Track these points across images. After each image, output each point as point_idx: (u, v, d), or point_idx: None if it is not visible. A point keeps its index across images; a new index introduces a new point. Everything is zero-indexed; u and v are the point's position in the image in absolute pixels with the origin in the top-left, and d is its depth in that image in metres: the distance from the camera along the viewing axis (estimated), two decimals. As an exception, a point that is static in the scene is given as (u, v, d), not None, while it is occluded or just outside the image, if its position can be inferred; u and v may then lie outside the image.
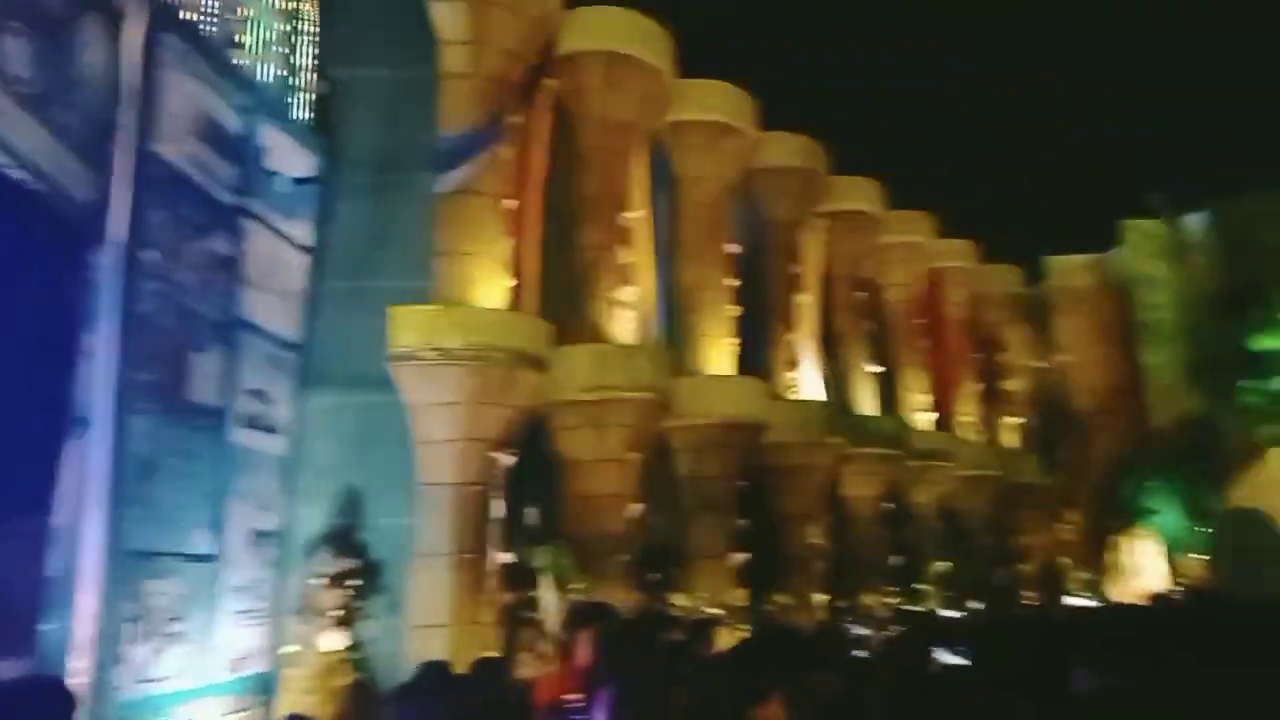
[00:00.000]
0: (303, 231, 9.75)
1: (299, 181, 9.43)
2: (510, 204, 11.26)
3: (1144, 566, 20.08)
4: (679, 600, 12.79)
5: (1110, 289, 22.54)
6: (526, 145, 11.77)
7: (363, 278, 10.54)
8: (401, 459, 9.80)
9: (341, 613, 8.85)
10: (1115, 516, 20.69)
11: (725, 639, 10.55)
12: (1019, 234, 23.94)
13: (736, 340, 16.44)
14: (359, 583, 8.98)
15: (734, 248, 17.11)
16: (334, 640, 8.88)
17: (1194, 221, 21.34)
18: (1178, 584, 17.95)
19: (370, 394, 10.09)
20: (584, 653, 4.14)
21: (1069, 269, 23.08)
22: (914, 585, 18.46)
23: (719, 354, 16.10)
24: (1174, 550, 19.87)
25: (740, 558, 15.34)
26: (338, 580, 8.86)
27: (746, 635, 7.48)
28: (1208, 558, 19.20)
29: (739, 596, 15.05)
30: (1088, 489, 21.28)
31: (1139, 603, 7.62)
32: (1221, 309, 19.77)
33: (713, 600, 14.10)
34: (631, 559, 12.24)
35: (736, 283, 16.71)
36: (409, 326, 10.09)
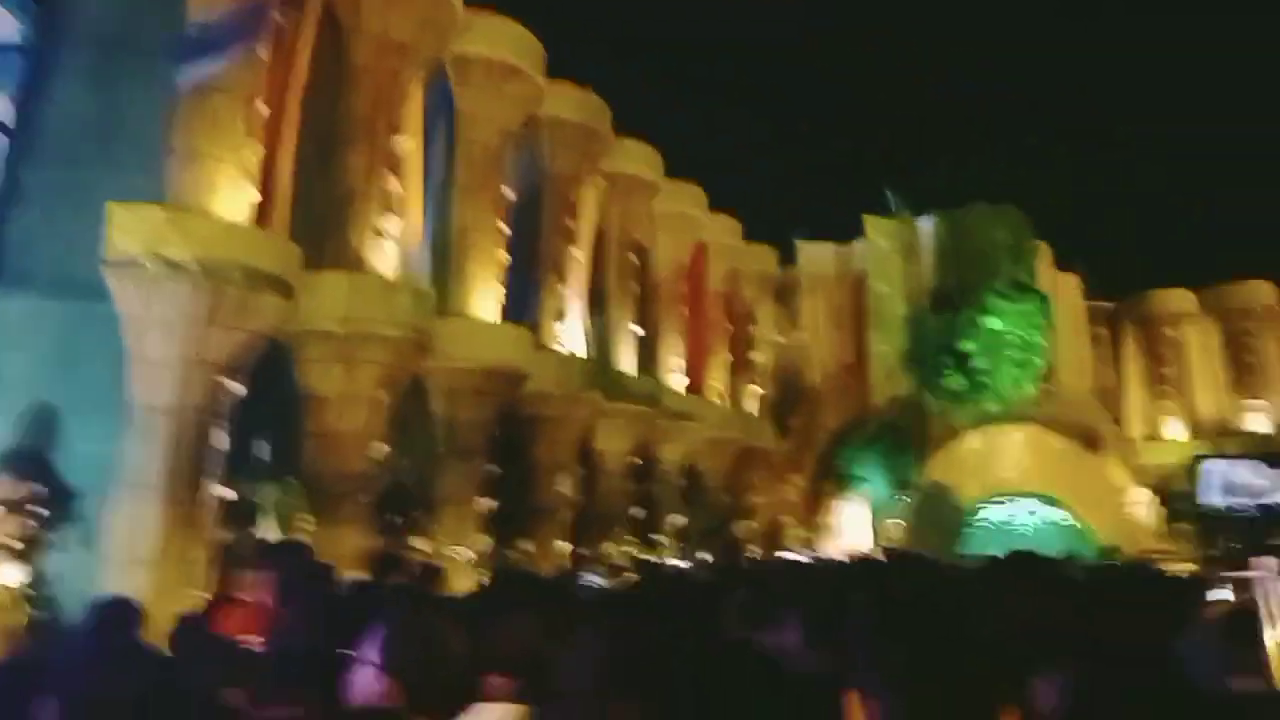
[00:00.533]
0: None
1: (-3, 46, 8.00)
2: (263, 109, 10.27)
3: (852, 528, 22.30)
4: (419, 544, 12.53)
5: (849, 277, 24.64)
6: (288, 47, 10.77)
7: (78, 169, 9.22)
8: (110, 378, 8.73)
9: (21, 544, 7.78)
10: (832, 482, 22.82)
11: (464, 583, 10.49)
12: (778, 217, 25.54)
13: (504, 287, 16.23)
14: (45, 511, 7.92)
15: (510, 194, 16.83)
16: (10, 573, 7.80)
17: (924, 223, 23.78)
18: (879, 545, 20.05)
19: (77, 301, 8.88)
20: (263, 593, 3.89)
21: (816, 255, 24.93)
22: (652, 537, 19.35)
23: (485, 299, 15.83)
24: (879, 515, 22.25)
25: (489, 504, 15.30)
26: (18, 507, 7.77)
27: (485, 581, 7.44)
28: (906, 523, 21.70)
29: (483, 542, 15.03)
30: (812, 456, 23.28)
31: (839, 559, 8.43)
32: (937, 305, 22.28)
33: (456, 545, 13.98)
34: (372, 501, 11.80)
35: (508, 230, 16.46)
36: (131, 229, 8.95)
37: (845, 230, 24.83)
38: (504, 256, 16.29)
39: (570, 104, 17.60)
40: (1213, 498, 17.66)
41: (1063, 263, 24.93)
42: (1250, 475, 18.17)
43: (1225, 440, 25.35)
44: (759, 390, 23.00)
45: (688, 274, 21.74)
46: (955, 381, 21.24)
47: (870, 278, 24.06)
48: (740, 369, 22.72)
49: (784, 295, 24.28)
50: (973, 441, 21.66)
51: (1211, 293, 26.46)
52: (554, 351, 17.30)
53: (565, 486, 17.18)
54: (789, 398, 23.21)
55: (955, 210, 23.32)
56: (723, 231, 22.85)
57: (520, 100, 16.20)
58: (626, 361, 20.18)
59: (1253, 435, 25.17)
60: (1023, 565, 3.52)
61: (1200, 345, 26.34)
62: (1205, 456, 18.57)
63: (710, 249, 22.24)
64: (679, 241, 21.76)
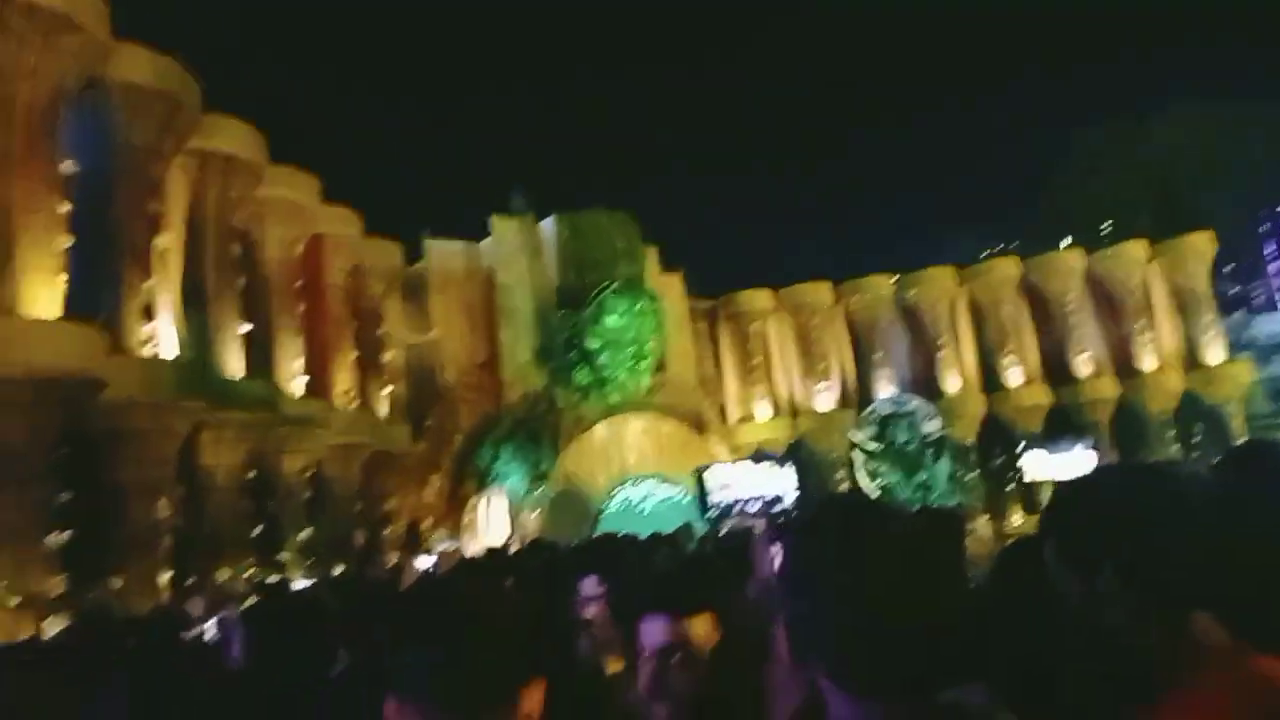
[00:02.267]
0: None
1: None
2: None
3: (494, 523, 22.21)
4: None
5: (479, 275, 24.61)
6: None
7: None
8: None
9: None
10: (471, 480, 22.54)
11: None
12: (403, 212, 24.70)
13: (66, 278, 13.60)
14: None
15: (70, 167, 14.18)
16: None
17: (546, 225, 24.53)
18: (518, 538, 20.13)
19: None
20: None
21: (444, 252, 24.54)
22: (276, 556, 17.52)
23: (41, 292, 13.11)
24: (517, 509, 22.42)
25: (61, 538, 12.74)
26: None
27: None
28: (543, 514, 22.08)
29: (56, 584, 12.46)
30: (449, 455, 22.79)
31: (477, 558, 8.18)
32: (561, 303, 23.13)
33: (14, 590, 11.38)
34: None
35: (69, 207, 13.85)
36: None
37: (472, 229, 24.81)
38: (64, 241, 13.65)
39: (145, 68, 15.31)
40: (716, 497, 21.24)
41: (667, 264, 27.24)
42: (742, 474, 21.93)
43: (802, 418, 29.64)
44: (390, 391, 21.95)
45: (303, 267, 20.07)
46: (582, 376, 22.21)
47: (499, 276, 24.23)
48: (369, 369, 21.49)
49: (413, 293, 23.51)
50: (600, 431, 22.76)
51: (786, 292, 30.72)
52: (137, 355, 14.88)
53: (161, 509, 14.84)
54: (422, 398, 22.48)
55: (574, 213, 24.37)
56: (341, 223, 21.48)
57: (76, 56, 13.71)
58: (235, 364, 18.06)
59: (814, 414, 29.74)
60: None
61: (778, 336, 30.41)
62: (704, 468, 21.95)
63: (328, 242, 20.77)
64: (290, 232, 20.02)
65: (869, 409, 27.20)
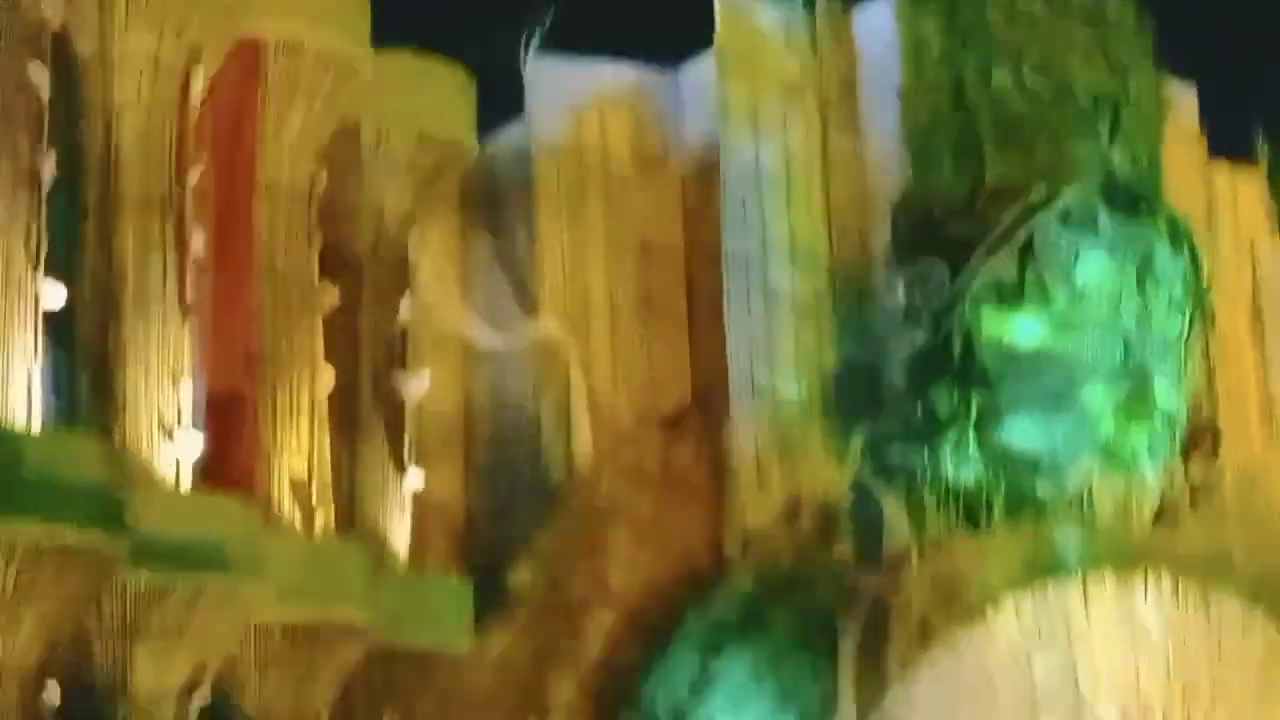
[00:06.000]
0: None
1: None
2: None
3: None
4: None
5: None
6: None
7: None
8: None
9: None
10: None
11: None
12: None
13: None
14: None
15: None
16: None
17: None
18: None
19: None
20: None
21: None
22: None
23: None
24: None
25: None
26: None
27: None
28: None
29: None
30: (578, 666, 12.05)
31: None
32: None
33: None
34: None
35: None
36: None
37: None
38: None
39: None
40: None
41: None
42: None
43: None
44: (421, 488, 10.69)
45: (211, 142, 8.65)
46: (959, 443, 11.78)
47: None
48: (362, 417, 10.20)
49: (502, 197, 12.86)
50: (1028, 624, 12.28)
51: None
52: None
53: None
54: (510, 486, 11.55)
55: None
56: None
57: None
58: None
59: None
60: None
61: None
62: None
63: (275, 60, 9.56)
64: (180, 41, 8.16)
65: None
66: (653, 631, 10.10)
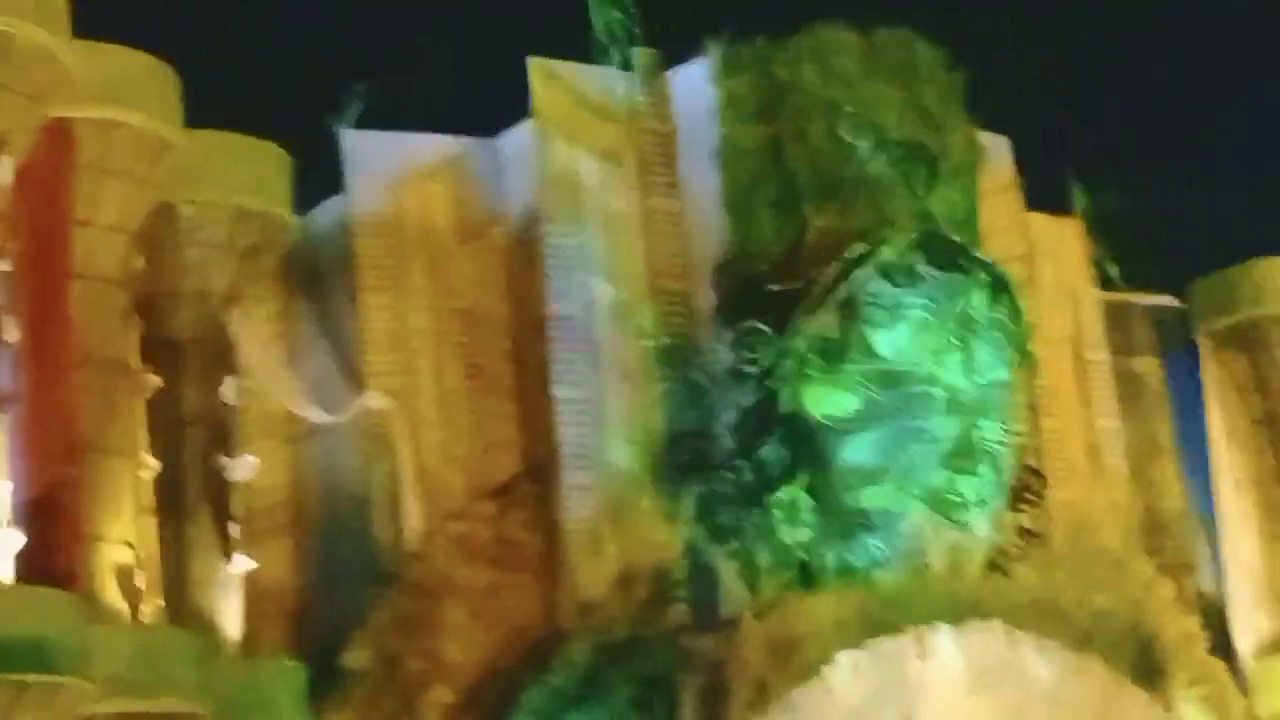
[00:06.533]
0: None
1: None
2: None
3: None
4: None
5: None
6: None
7: None
8: None
9: None
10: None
11: None
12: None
13: None
14: None
15: None
16: None
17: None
18: None
19: None
20: None
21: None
22: None
23: None
24: None
25: None
26: None
27: None
28: None
29: None
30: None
31: None
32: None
33: None
34: None
35: None
36: None
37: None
38: None
39: None
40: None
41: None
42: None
43: None
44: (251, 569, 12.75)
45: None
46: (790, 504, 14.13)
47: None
48: (187, 497, 12.29)
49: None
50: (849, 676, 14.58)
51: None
52: None
53: None
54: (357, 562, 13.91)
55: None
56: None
57: None
58: None
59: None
60: None
61: None
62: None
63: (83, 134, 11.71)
64: None
65: None
66: (492, 706, 12.59)
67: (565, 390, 12.51)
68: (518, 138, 13.33)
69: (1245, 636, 16.91)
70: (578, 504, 12.40)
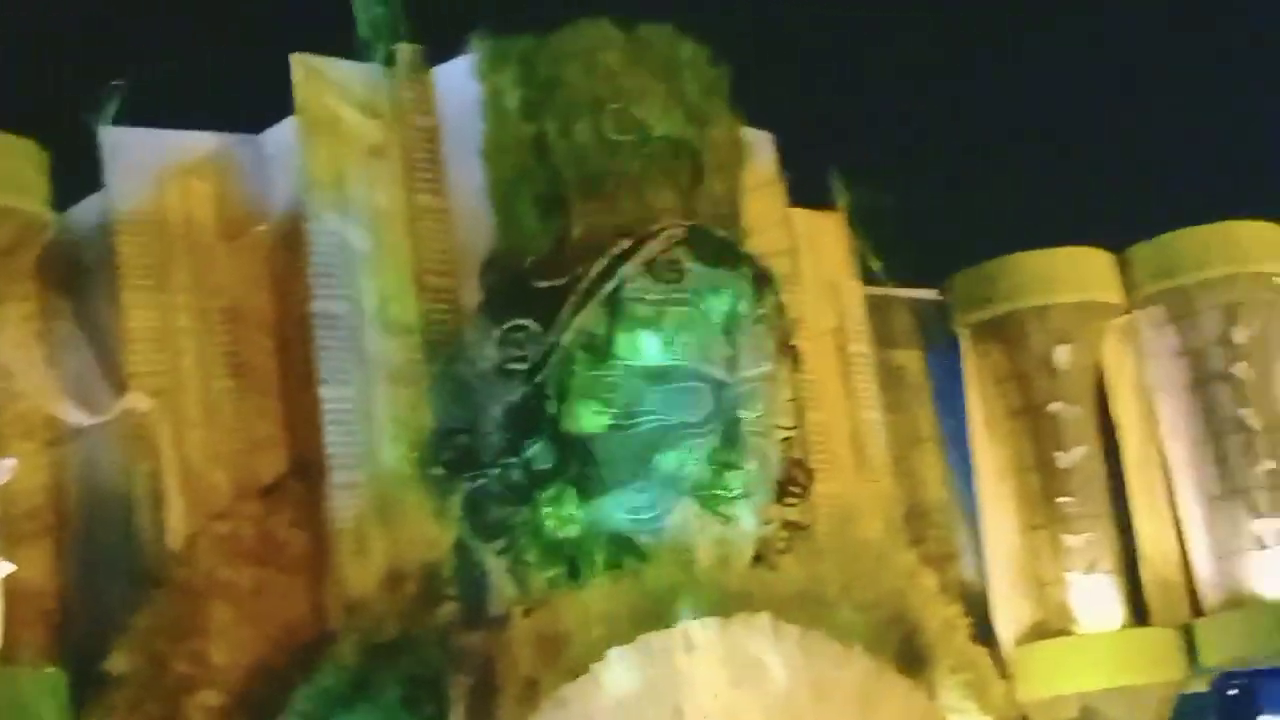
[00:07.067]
0: None
1: None
2: None
3: None
4: None
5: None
6: None
7: None
8: None
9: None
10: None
11: None
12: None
13: None
14: None
15: None
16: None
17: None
18: None
19: None
20: None
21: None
22: None
23: None
24: None
25: None
26: None
27: None
28: None
29: None
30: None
31: None
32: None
33: None
34: None
35: None
36: None
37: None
38: None
39: None
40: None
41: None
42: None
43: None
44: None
45: None
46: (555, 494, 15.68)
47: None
48: None
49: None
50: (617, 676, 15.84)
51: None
52: None
53: None
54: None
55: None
56: None
57: None
58: None
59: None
60: None
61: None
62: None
63: None
64: None
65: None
66: (260, 708, 13.16)
67: (331, 389, 13.39)
68: (281, 134, 14.20)
69: (1006, 624, 18.65)
70: (344, 503, 13.27)
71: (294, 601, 13.60)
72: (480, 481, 13.66)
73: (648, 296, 13.33)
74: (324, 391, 13.39)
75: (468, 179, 13.97)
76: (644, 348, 13.36)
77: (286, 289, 14.19)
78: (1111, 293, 20.16)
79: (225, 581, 13.38)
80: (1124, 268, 20.29)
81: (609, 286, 13.27)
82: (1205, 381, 20.09)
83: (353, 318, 13.59)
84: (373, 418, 13.55)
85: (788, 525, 14.46)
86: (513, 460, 13.41)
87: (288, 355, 14.21)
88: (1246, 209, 20.88)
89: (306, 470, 13.89)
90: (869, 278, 18.24)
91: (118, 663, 12.91)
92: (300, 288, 13.69)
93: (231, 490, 13.74)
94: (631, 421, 13.44)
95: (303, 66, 13.71)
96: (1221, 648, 18.85)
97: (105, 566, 13.67)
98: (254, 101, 14.88)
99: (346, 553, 13.23)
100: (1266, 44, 31.36)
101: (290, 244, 14.02)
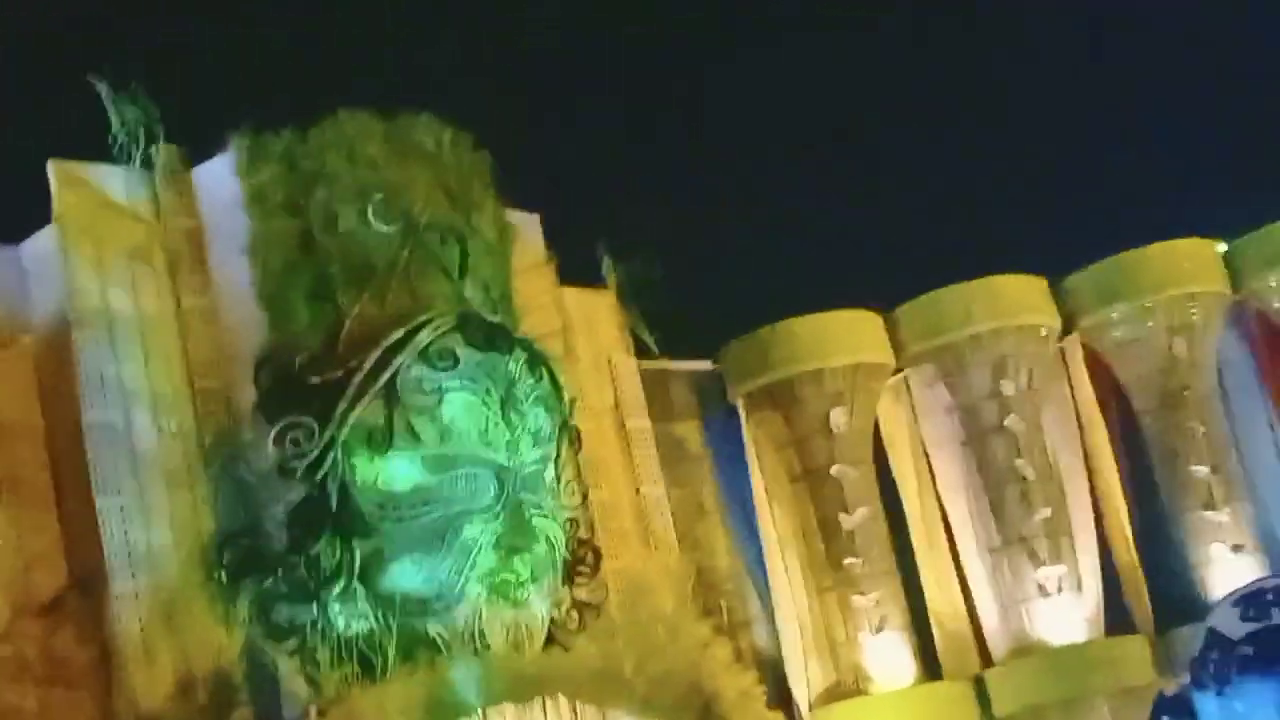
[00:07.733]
0: None
1: None
2: None
3: None
4: None
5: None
6: None
7: None
8: None
9: None
10: None
11: None
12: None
13: None
14: None
15: None
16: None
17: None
18: None
19: None
20: None
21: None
22: None
23: None
24: None
25: None
26: None
27: None
28: None
29: None
30: None
31: None
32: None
33: None
34: None
35: None
36: None
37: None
38: None
39: None
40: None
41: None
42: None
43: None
44: None
45: None
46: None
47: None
48: None
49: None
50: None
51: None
52: None
53: None
54: None
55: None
56: None
57: None
58: None
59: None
60: None
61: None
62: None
63: None
64: None
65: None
66: None
67: (107, 499, 14.27)
68: (42, 242, 15.12)
69: (802, 688, 20.69)
70: (128, 613, 14.08)
71: (83, 718, 14.34)
72: (267, 583, 14.60)
73: (424, 386, 14.68)
74: (100, 501, 14.27)
75: (234, 278, 15.10)
76: (424, 436, 14.63)
77: (56, 399, 14.97)
78: (883, 353, 22.30)
79: (9, 704, 13.98)
80: (893, 327, 22.47)
81: (384, 378, 14.55)
82: (979, 435, 22.40)
83: (125, 423, 14.61)
84: (152, 525, 14.45)
85: (579, 605, 15.76)
86: (298, 559, 14.41)
87: (61, 467, 14.95)
88: (1008, 263, 23.53)
89: (87, 583, 14.56)
90: (643, 353, 20.09)
91: (-101, 795, 12.38)
92: (70, 397, 14.54)
93: (10, 610, 14.37)
94: (415, 512, 14.68)
95: (61, 173, 14.74)
96: (1012, 696, 21.08)
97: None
98: (9, 211, 15.84)
99: (133, 664, 14.09)
100: (1009, 109, 36.84)
101: (57, 353, 14.86)
